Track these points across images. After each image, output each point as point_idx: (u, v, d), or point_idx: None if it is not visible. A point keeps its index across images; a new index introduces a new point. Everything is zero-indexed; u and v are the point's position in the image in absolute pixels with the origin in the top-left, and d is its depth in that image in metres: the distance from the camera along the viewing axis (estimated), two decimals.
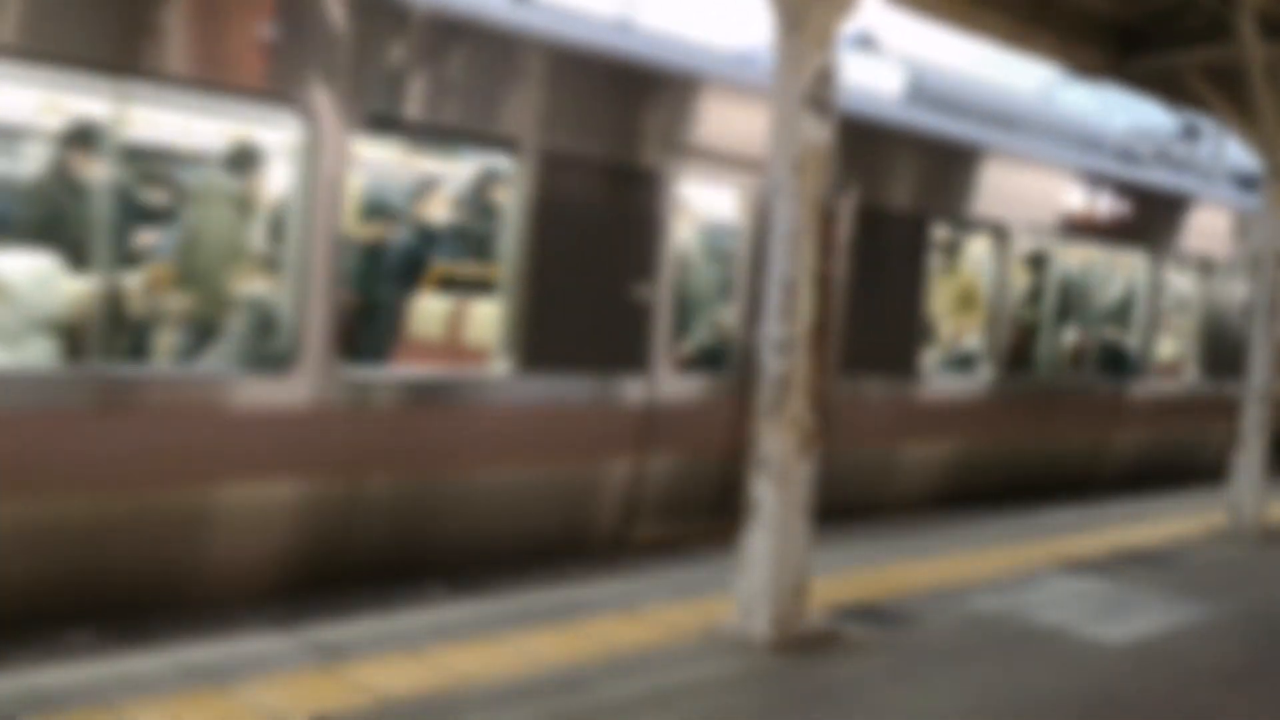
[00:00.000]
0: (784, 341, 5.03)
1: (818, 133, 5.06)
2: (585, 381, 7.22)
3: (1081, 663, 5.23)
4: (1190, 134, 14.38)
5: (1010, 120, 11.10)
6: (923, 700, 4.59)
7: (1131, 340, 12.24)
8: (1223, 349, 13.08)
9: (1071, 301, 11.70)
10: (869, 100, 9.18)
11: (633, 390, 7.47)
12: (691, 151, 7.75)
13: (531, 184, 6.83)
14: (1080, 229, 11.00)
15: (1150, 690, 4.95)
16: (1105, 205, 11.22)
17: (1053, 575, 6.87)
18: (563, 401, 7.10)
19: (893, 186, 9.09)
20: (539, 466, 7.06)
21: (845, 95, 8.76)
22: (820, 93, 5.05)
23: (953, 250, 11.06)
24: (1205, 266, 12.79)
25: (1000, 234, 10.18)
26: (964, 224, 10.03)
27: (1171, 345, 13.05)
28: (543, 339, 6.95)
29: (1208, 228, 12.70)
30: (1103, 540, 8.07)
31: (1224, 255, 13.02)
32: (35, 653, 4.96)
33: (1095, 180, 11.15)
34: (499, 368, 6.85)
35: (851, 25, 8.36)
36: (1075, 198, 10.86)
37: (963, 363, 10.48)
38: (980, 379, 10.15)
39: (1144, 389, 12.09)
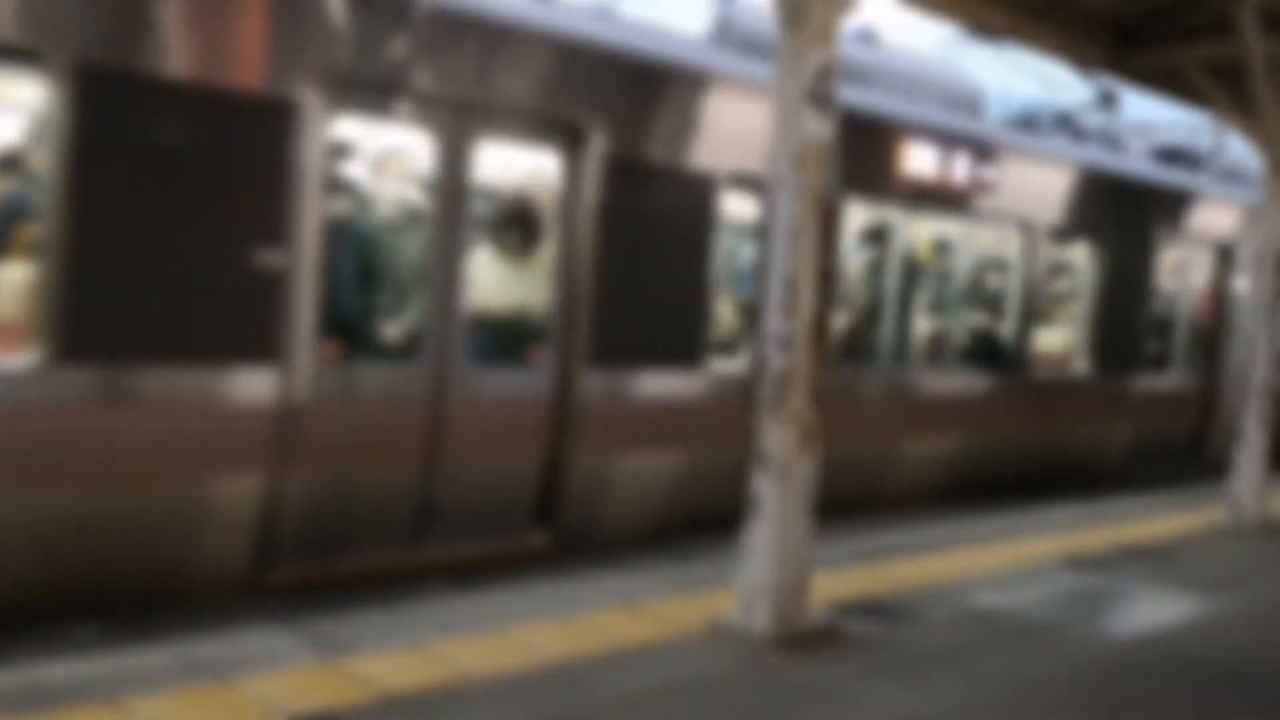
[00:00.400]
0: (785, 337, 5.03)
1: (819, 128, 5.07)
2: (166, 375, 5.44)
3: (1083, 659, 5.23)
4: (1107, 102, 12.98)
5: (860, 75, 9.27)
6: (923, 696, 4.60)
7: (1005, 328, 10.58)
8: (1122, 339, 11.60)
9: (925, 282, 10.13)
10: (652, 37, 7.63)
11: (253, 387, 5.70)
12: (355, 78, 6.01)
13: (69, 112, 5.12)
14: (935, 198, 9.37)
15: (1153, 686, 4.96)
16: (966, 172, 9.56)
17: (1054, 571, 6.88)
18: (132, 402, 5.36)
19: (667, 138, 7.39)
20: (96, 489, 5.33)
21: (623, 29, 7.49)
22: (821, 89, 5.06)
23: None
24: (1101, 245, 11.19)
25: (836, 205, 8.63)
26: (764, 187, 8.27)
27: (1062, 334, 11.43)
28: (95, 319, 5.26)
29: (1106, 201, 11.15)
30: (1104, 536, 8.08)
31: (1126, 233, 11.45)
32: (37, 648, 4.97)
33: (953, 142, 9.47)
34: (22, 359, 5.14)
35: (853, 21, 8.36)
36: (926, 162, 9.22)
37: None
38: None
39: (1020, 384, 10.49)
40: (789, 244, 5.05)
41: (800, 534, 5.10)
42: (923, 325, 10.06)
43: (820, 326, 5.13)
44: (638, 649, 4.85)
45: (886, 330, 9.47)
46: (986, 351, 10.44)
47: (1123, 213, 11.37)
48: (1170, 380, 12.48)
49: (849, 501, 8.81)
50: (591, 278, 7.05)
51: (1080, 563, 7.14)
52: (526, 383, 6.95)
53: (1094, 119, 12.78)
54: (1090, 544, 7.74)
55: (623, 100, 7.13)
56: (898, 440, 9.38)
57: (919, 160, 9.19)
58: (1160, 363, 12.43)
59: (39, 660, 4.37)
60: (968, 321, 10.57)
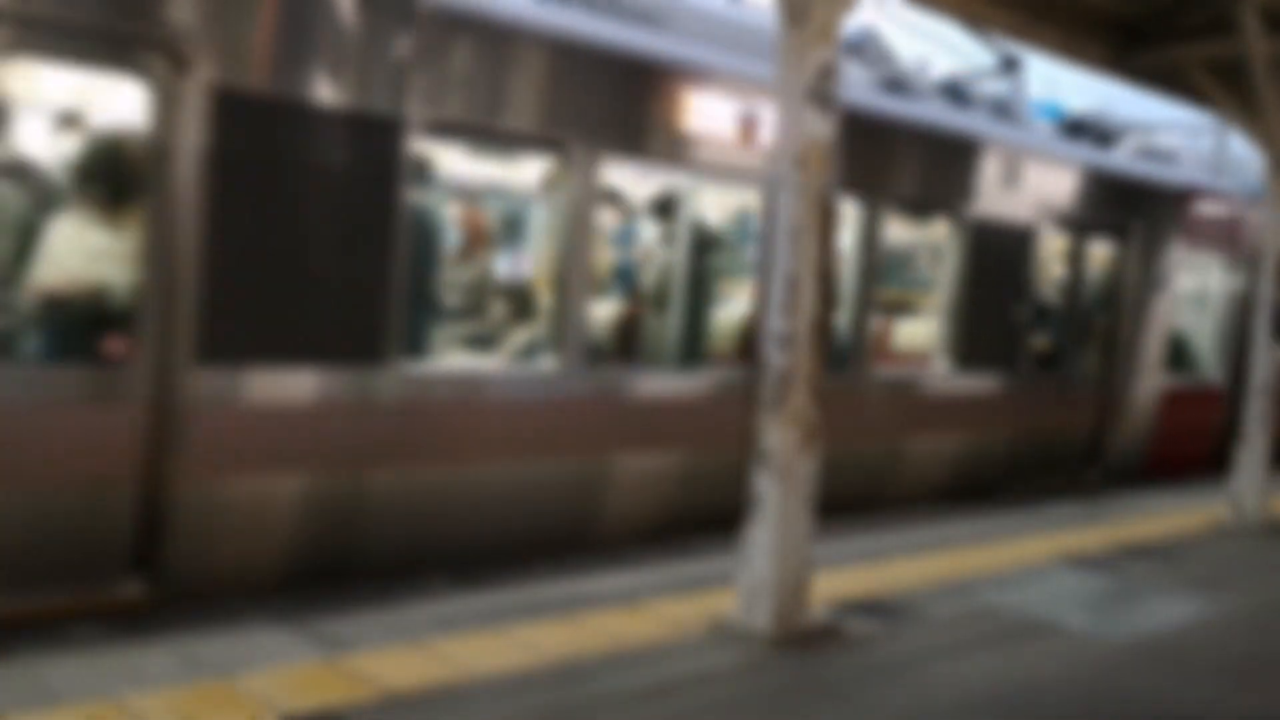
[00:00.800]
0: (786, 336, 5.04)
1: (820, 128, 5.07)
2: None
3: (1085, 658, 5.24)
4: (1009, 67, 11.24)
5: (650, 16, 7.61)
6: (924, 694, 4.61)
7: (838, 319, 8.81)
8: (995, 332, 9.93)
9: (728, 265, 8.55)
10: None
11: None
12: None
13: None
14: (736, 163, 7.66)
15: (1153, 685, 4.96)
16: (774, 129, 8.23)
17: (1056, 570, 6.88)
18: None
19: (317, 68, 5.71)
20: None
21: None
22: (823, 88, 5.06)
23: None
24: (966, 224, 9.42)
25: (565, 157, 6.80)
26: (492, 139, 6.66)
27: (923, 327, 9.86)
28: None
29: (974, 174, 9.44)
30: (1105, 534, 8.08)
31: (999, 210, 9.73)
32: (38, 646, 4.98)
33: (760, 98, 7.65)
34: None
35: (855, 21, 8.36)
36: (722, 119, 7.56)
37: (530, 352, 7.21)
38: (538, 372, 6.84)
39: (855, 384, 8.70)
40: (790, 243, 5.06)
41: (801, 533, 5.10)
42: (731, 316, 8.40)
43: (822, 325, 5.14)
44: (639, 647, 4.86)
45: (674, 322, 7.71)
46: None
47: (995, 187, 9.73)
48: (1059, 379, 10.89)
49: (642, 529, 7.31)
50: (201, 248, 5.39)
51: (1082, 562, 7.14)
52: (102, 384, 5.25)
53: (993, 86, 11.13)
54: (1091, 543, 7.74)
55: (246, 17, 5.52)
56: (687, 453, 7.70)
57: (712, 116, 7.52)
58: (1048, 360, 10.82)
59: (41, 658, 4.38)
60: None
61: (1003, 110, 10.89)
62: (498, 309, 7.44)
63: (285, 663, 4.36)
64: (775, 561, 5.01)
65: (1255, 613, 6.40)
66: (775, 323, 5.07)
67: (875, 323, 9.01)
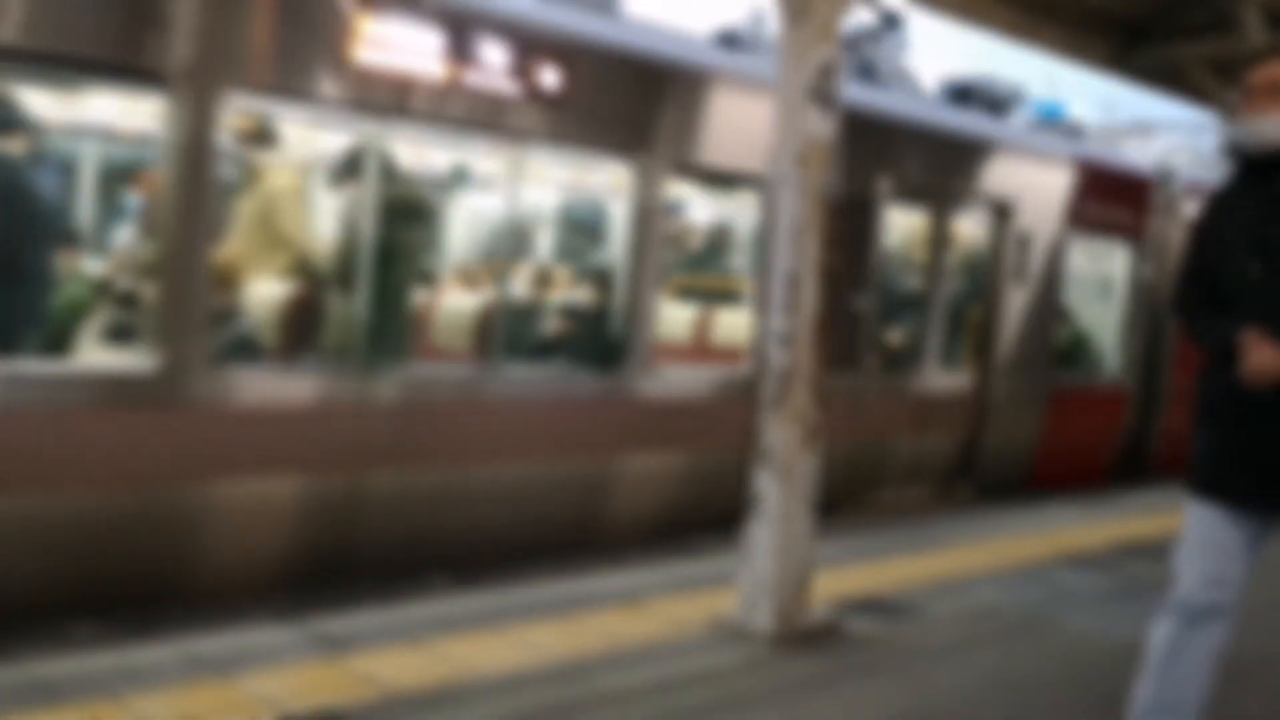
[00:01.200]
0: (787, 335, 5.04)
1: (821, 126, 5.06)
2: None
3: (1085, 657, 5.23)
4: (891, 25, 10.33)
5: None
6: (924, 693, 4.60)
7: (610, 306, 7.39)
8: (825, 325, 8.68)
9: (453, 240, 7.41)
10: None
11: None
12: None
13: None
14: (446, 109, 6.28)
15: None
16: (513, 75, 6.50)
17: (1055, 569, 6.88)
18: None
19: None
20: None
21: None
22: (824, 86, 5.05)
23: (261, 140, 6.23)
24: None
25: (173, 94, 5.32)
26: (58, 68, 5.23)
27: (743, 320, 8.20)
28: None
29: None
30: (1104, 533, 8.07)
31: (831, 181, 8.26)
32: (39, 644, 4.98)
33: (480, 27, 6.33)
34: None
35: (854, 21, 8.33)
36: (417, 49, 6.09)
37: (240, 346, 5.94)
38: (118, 372, 5.36)
39: (627, 386, 7.22)
40: (791, 241, 5.05)
41: (802, 532, 5.10)
42: (465, 304, 7.17)
43: (824, 324, 5.13)
44: (640, 646, 4.85)
45: (360, 306, 6.25)
46: (580, 340, 7.42)
47: (858, 158, 8.22)
48: (919, 380, 9.42)
49: (325, 569, 6.08)
50: None
51: (1081, 561, 7.14)
52: None
53: (871, 48, 10.13)
54: (1091, 542, 7.73)
55: None
56: (362, 475, 6.22)
57: (401, 46, 6.03)
58: (903, 357, 9.45)
59: (42, 656, 4.38)
60: (528, 296, 7.57)
61: (867, 71, 9.79)
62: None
63: (286, 662, 4.35)
64: (776, 560, 5.01)
65: (1253, 611, 6.38)
66: (776, 321, 5.07)
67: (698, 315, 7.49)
